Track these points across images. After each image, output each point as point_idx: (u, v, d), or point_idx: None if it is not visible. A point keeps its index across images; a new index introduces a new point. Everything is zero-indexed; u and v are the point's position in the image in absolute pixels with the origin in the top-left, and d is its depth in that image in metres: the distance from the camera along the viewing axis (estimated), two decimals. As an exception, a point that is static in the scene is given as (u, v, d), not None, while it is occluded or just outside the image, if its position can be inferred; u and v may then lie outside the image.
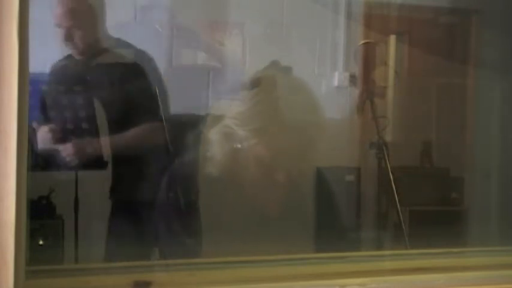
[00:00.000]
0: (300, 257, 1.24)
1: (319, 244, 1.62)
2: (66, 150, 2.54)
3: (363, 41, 3.89)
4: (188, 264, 1.16)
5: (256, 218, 1.63)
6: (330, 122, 1.69)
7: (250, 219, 1.62)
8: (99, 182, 2.73)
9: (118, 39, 2.71)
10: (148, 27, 3.15)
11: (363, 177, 3.79)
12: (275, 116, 1.56)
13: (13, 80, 0.81)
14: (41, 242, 2.58)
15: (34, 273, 0.96)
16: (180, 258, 1.37)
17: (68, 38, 2.58)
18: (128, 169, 2.63)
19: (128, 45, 2.69)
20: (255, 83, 1.59)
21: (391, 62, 4.03)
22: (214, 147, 1.61)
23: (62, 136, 2.53)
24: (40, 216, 2.67)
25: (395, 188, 2.99)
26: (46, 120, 2.53)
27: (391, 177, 3.02)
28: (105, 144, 2.60)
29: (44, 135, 2.52)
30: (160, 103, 2.59)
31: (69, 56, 2.64)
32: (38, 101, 2.48)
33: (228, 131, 1.57)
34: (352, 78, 3.98)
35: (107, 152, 2.60)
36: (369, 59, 3.74)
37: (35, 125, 2.48)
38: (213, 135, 1.61)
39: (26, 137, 0.84)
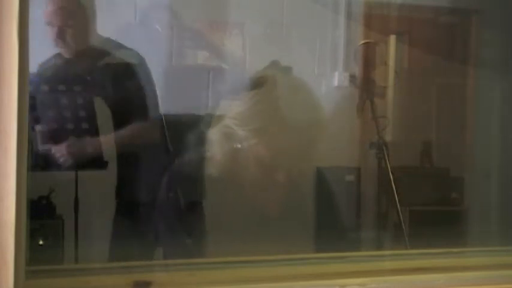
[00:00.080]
0: (300, 257, 1.24)
1: (319, 244, 1.62)
2: (59, 151, 2.54)
3: (363, 41, 3.89)
4: (188, 264, 1.16)
5: (256, 218, 1.62)
6: (330, 122, 1.69)
7: (250, 219, 1.62)
8: (99, 182, 2.73)
9: (107, 39, 2.71)
10: (148, 27, 3.15)
11: (363, 177, 3.79)
12: (275, 116, 1.56)
13: (13, 80, 0.81)
14: (41, 242, 2.57)
15: (34, 273, 0.96)
16: (180, 258, 1.37)
17: (59, 36, 2.57)
18: (129, 169, 2.64)
19: (117, 45, 2.70)
20: (257, 83, 1.58)
21: (391, 62, 4.03)
22: (214, 147, 1.61)
23: (53, 136, 2.53)
24: (40, 216, 2.67)
25: (395, 188, 2.99)
26: (38, 120, 2.52)
27: (391, 177, 3.02)
28: (100, 143, 2.61)
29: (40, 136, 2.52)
30: (151, 102, 2.60)
31: (58, 55, 2.63)
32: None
33: (228, 131, 1.57)
34: (352, 78, 3.98)
35: (101, 152, 2.61)
36: (369, 59, 3.74)
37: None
38: (213, 135, 1.61)
39: (26, 137, 0.84)
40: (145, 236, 2.16)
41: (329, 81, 4.04)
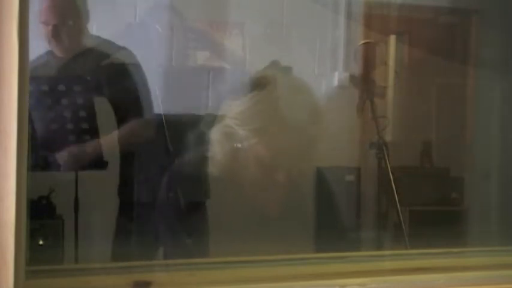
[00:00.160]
0: (300, 257, 1.24)
1: (319, 244, 1.62)
2: (61, 158, 2.54)
3: (363, 41, 3.88)
4: (188, 264, 1.16)
5: (256, 218, 1.62)
6: (330, 122, 1.68)
7: (250, 219, 1.62)
8: (99, 182, 2.73)
9: (98, 37, 2.71)
10: (148, 27, 3.15)
11: (363, 177, 3.79)
12: (275, 115, 1.56)
13: (13, 80, 0.81)
14: (41, 242, 2.57)
15: (34, 273, 0.96)
16: (180, 258, 1.37)
17: (54, 35, 2.57)
18: (129, 168, 2.64)
19: (109, 43, 2.70)
20: (258, 84, 1.58)
21: (391, 62, 4.03)
22: (214, 146, 1.61)
23: (47, 136, 2.53)
24: (40, 216, 2.67)
25: (395, 188, 2.99)
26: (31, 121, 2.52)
27: (391, 177, 3.02)
28: (100, 145, 2.61)
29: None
30: (144, 100, 2.60)
31: (50, 53, 2.62)
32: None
33: (228, 130, 1.57)
34: (352, 78, 3.98)
35: (100, 152, 2.61)
36: (369, 59, 3.74)
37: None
38: (213, 134, 1.61)
39: (26, 137, 0.84)
40: (145, 235, 2.17)
41: (329, 81, 4.04)
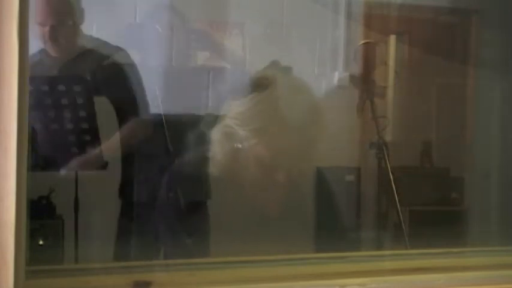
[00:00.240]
0: (300, 257, 1.24)
1: (319, 244, 1.62)
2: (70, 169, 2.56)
3: (363, 41, 3.89)
4: (188, 264, 1.16)
5: (256, 218, 1.62)
6: (330, 122, 1.68)
7: (250, 219, 1.62)
8: (99, 182, 2.73)
9: (91, 37, 2.71)
10: (148, 27, 3.14)
11: (363, 177, 3.79)
12: (275, 116, 1.56)
13: (13, 80, 0.81)
14: (41, 242, 2.57)
15: (34, 273, 0.96)
16: (180, 258, 1.37)
17: (52, 36, 2.56)
18: (130, 169, 2.64)
19: (102, 43, 2.70)
20: (259, 85, 1.58)
21: (391, 62, 4.03)
22: (214, 147, 1.61)
23: (44, 135, 2.53)
24: (40, 216, 2.67)
25: (395, 188, 2.99)
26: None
27: (391, 177, 3.02)
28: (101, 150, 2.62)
29: None
30: (139, 99, 2.61)
31: (43, 51, 2.62)
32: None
33: (228, 130, 1.57)
34: (352, 78, 3.98)
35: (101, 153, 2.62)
36: (369, 59, 3.74)
37: None
38: (213, 135, 1.61)
39: (26, 137, 0.84)
40: (146, 235, 2.17)
41: (329, 81, 4.04)
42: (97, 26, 3.00)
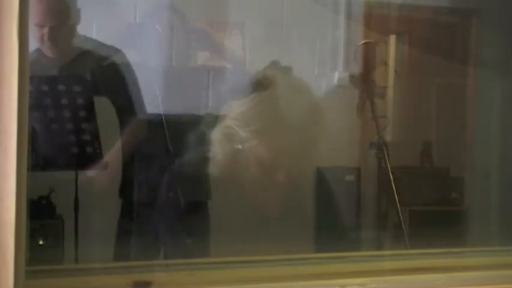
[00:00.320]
0: (300, 257, 1.24)
1: (319, 244, 1.62)
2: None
3: (363, 41, 3.88)
4: (188, 264, 1.16)
5: (256, 218, 1.62)
6: (330, 122, 1.69)
7: (250, 219, 1.62)
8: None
9: (85, 36, 2.71)
10: (148, 27, 3.14)
11: (363, 177, 3.79)
12: (276, 116, 1.56)
13: (13, 80, 0.81)
14: (41, 242, 2.57)
15: (34, 273, 0.96)
16: (180, 258, 1.37)
17: (51, 37, 2.56)
18: (131, 169, 2.65)
19: (97, 43, 2.70)
20: (259, 85, 1.58)
21: (391, 62, 4.03)
22: (215, 147, 1.61)
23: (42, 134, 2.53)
24: (40, 216, 2.67)
25: (395, 188, 2.99)
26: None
27: (391, 177, 3.02)
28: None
29: None
30: (135, 98, 2.61)
31: (38, 51, 2.61)
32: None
33: (229, 131, 1.57)
34: (352, 78, 3.97)
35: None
36: (369, 59, 3.74)
37: None
38: (214, 135, 1.61)
39: (26, 137, 0.84)
40: (146, 235, 2.17)
41: (329, 81, 4.04)
42: (97, 26, 3.00)
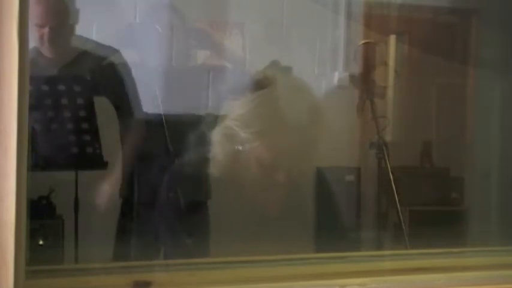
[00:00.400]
0: (300, 257, 1.24)
1: (319, 244, 1.62)
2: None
3: (363, 41, 3.88)
4: (188, 264, 1.16)
5: (256, 218, 1.62)
6: (330, 122, 1.69)
7: (250, 219, 1.62)
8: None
9: (80, 36, 2.71)
10: (148, 27, 3.15)
11: (363, 177, 3.79)
12: (276, 116, 1.56)
13: (13, 80, 0.81)
14: (41, 242, 2.57)
15: (34, 273, 0.96)
16: (180, 258, 1.37)
17: (50, 38, 2.56)
18: (131, 169, 2.65)
19: (93, 43, 2.70)
20: (260, 85, 1.58)
21: (391, 62, 4.03)
22: (215, 148, 1.61)
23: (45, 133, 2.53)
24: (40, 216, 2.67)
25: (395, 188, 2.99)
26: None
27: (391, 177, 3.02)
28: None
29: None
30: (133, 99, 2.61)
31: (35, 50, 2.61)
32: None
33: (229, 132, 1.57)
34: (352, 78, 3.97)
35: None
36: (369, 59, 3.73)
37: None
38: (214, 136, 1.61)
39: (26, 137, 0.84)
40: (146, 235, 2.17)
41: (329, 81, 4.04)
42: (97, 26, 3.00)
